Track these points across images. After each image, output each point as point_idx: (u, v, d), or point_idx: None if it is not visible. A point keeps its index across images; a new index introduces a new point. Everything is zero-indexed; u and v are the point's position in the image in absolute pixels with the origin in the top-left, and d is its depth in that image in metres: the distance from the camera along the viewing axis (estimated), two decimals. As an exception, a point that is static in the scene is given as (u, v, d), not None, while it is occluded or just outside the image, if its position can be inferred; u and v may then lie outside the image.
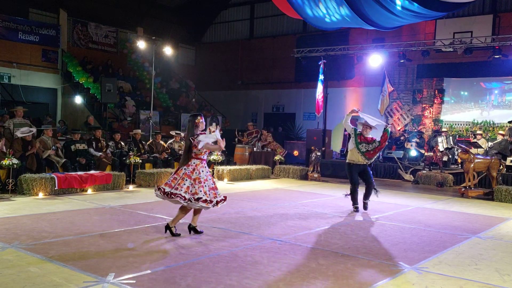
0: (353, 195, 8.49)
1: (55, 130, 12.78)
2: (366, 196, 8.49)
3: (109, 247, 5.32)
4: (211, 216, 7.50)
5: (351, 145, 8.39)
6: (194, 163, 5.85)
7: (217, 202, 5.89)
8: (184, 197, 5.69)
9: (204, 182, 5.81)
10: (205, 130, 6.13)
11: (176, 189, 5.73)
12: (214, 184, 6.00)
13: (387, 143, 8.67)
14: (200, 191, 5.73)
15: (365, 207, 8.50)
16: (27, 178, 8.88)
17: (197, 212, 6.09)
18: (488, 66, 16.11)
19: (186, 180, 5.76)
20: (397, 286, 4.39)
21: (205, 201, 5.74)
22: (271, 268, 4.78)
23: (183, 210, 5.96)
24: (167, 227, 6.02)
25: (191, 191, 5.71)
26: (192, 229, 6.14)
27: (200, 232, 6.16)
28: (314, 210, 8.45)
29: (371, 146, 8.25)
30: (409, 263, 5.15)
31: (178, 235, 5.97)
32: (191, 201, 5.71)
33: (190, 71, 23.77)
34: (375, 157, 8.53)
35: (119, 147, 12.01)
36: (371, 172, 8.56)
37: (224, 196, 6.05)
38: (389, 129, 8.47)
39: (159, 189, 5.85)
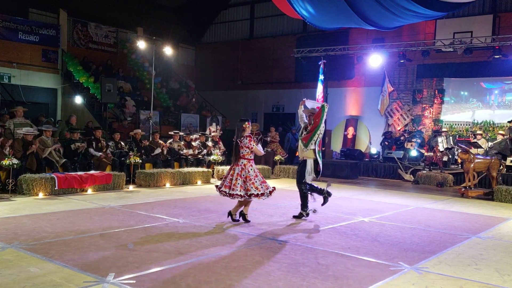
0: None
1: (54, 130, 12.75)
2: (302, 205, 7.53)
3: (109, 247, 5.32)
4: (211, 216, 7.51)
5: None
6: (242, 163, 6.87)
7: (270, 192, 6.90)
8: (240, 195, 6.76)
9: (254, 178, 6.83)
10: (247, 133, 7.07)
11: (233, 189, 6.76)
12: (263, 178, 7.03)
13: (322, 121, 7.29)
14: (251, 187, 6.77)
15: (299, 216, 7.53)
16: (27, 178, 8.88)
17: (248, 203, 7.12)
18: (488, 66, 16.10)
19: (239, 179, 6.79)
20: (397, 286, 4.39)
21: (257, 195, 6.78)
22: (271, 268, 4.78)
23: (241, 202, 7.04)
24: (230, 214, 7.12)
25: (244, 188, 6.77)
26: (242, 215, 7.14)
27: (248, 221, 7.06)
28: (314, 210, 8.43)
29: (309, 128, 7.40)
30: (409, 263, 5.15)
31: (237, 221, 7.06)
32: (245, 197, 6.80)
33: (190, 71, 23.76)
34: (311, 141, 7.31)
35: (119, 147, 12.02)
36: (304, 173, 7.40)
37: (273, 187, 7.01)
38: (326, 106, 7.35)
39: (220, 191, 6.93)
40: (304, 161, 7.45)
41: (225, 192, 6.82)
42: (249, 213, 7.84)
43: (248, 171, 6.82)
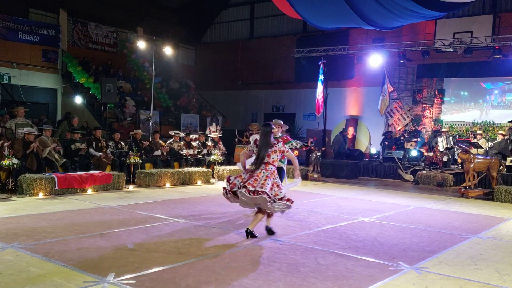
0: None
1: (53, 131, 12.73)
2: None
3: (109, 247, 5.32)
4: (211, 216, 7.51)
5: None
6: (271, 168, 6.04)
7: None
8: (268, 195, 5.82)
9: (280, 186, 6.04)
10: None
11: (261, 187, 5.84)
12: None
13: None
14: (281, 192, 5.95)
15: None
16: (27, 178, 8.87)
17: (270, 215, 6.23)
18: (488, 66, 16.11)
19: (268, 181, 5.93)
20: (397, 286, 4.39)
21: (288, 199, 5.98)
22: (271, 268, 4.78)
23: (261, 212, 6.10)
24: (248, 232, 6.06)
25: (272, 193, 5.89)
26: (268, 230, 6.28)
27: (274, 233, 6.27)
28: (314, 210, 8.45)
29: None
30: (409, 263, 5.15)
31: (256, 236, 6.05)
32: (274, 201, 5.88)
33: (190, 71, 23.77)
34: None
35: (119, 147, 12.01)
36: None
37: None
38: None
39: (244, 187, 5.86)
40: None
41: (249, 189, 5.80)
42: (249, 213, 7.87)
43: (275, 178, 6.08)
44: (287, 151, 6.29)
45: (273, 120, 7.55)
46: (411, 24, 14.51)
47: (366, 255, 5.41)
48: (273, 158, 6.09)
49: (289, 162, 7.27)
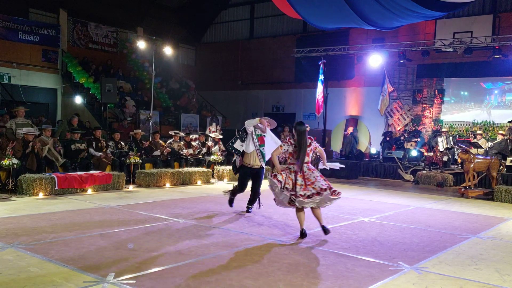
0: (235, 196, 8.05)
1: (53, 130, 12.73)
2: (252, 202, 8.04)
3: (109, 247, 5.32)
4: (211, 216, 7.51)
5: (251, 147, 7.74)
6: (312, 167, 6.21)
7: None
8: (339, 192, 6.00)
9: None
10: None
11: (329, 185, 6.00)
12: None
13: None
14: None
15: (248, 211, 8.00)
16: (27, 178, 8.88)
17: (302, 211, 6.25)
18: (488, 66, 16.11)
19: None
20: (397, 286, 4.39)
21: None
22: (271, 268, 4.78)
23: (302, 210, 6.11)
24: (325, 229, 6.10)
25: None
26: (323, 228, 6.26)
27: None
28: (314, 210, 8.44)
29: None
30: (409, 263, 5.15)
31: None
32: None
33: (190, 71, 23.77)
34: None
35: (119, 147, 12.02)
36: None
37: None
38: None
39: (330, 187, 5.94)
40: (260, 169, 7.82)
41: (333, 190, 5.94)
42: (249, 214, 7.88)
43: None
44: (318, 147, 6.42)
45: (263, 117, 7.75)
46: (411, 24, 14.52)
47: (366, 255, 5.41)
48: (311, 156, 6.21)
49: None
